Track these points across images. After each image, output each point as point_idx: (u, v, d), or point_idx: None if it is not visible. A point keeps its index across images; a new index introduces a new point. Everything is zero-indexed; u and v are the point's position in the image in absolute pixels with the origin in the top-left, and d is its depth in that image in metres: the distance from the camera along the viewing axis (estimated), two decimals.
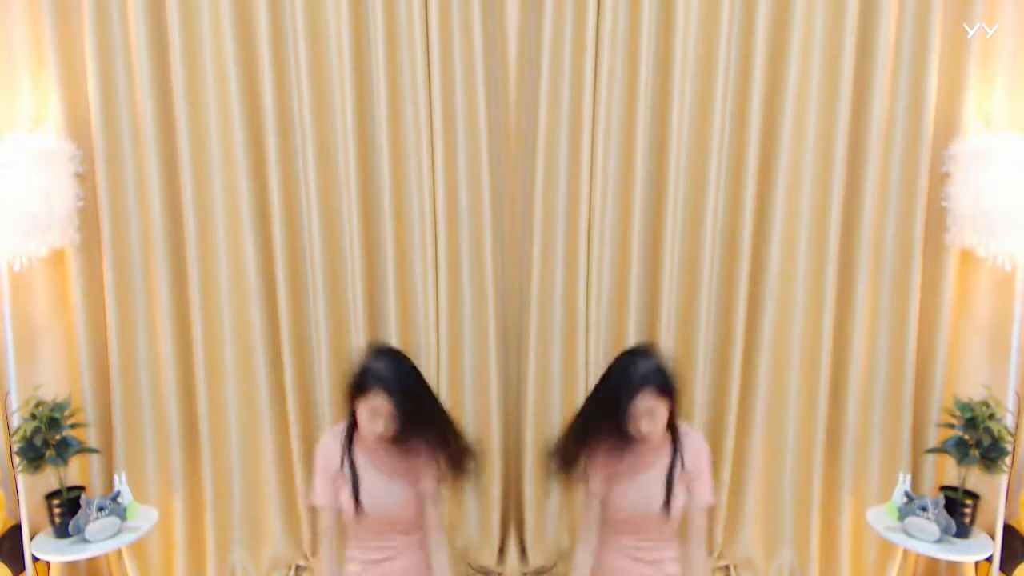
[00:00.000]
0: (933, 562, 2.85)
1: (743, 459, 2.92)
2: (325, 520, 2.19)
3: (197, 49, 2.69)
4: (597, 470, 2.20)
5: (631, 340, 2.78)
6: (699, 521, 2.19)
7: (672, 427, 2.17)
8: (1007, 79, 2.65)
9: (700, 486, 2.17)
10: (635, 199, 2.76)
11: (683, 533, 2.23)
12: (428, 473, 2.18)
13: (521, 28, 2.75)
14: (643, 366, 2.11)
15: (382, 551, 2.21)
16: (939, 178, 2.70)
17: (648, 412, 2.07)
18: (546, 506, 2.97)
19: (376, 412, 2.06)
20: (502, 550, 2.96)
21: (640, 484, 2.16)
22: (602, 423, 2.14)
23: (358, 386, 2.08)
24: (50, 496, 2.59)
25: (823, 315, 2.78)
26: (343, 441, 2.17)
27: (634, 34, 2.70)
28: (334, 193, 2.78)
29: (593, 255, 2.79)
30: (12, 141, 2.47)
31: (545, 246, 2.85)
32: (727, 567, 2.97)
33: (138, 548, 2.85)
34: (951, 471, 2.71)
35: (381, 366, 2.10)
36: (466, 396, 2.92)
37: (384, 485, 2.15)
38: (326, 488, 2.17)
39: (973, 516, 2.59)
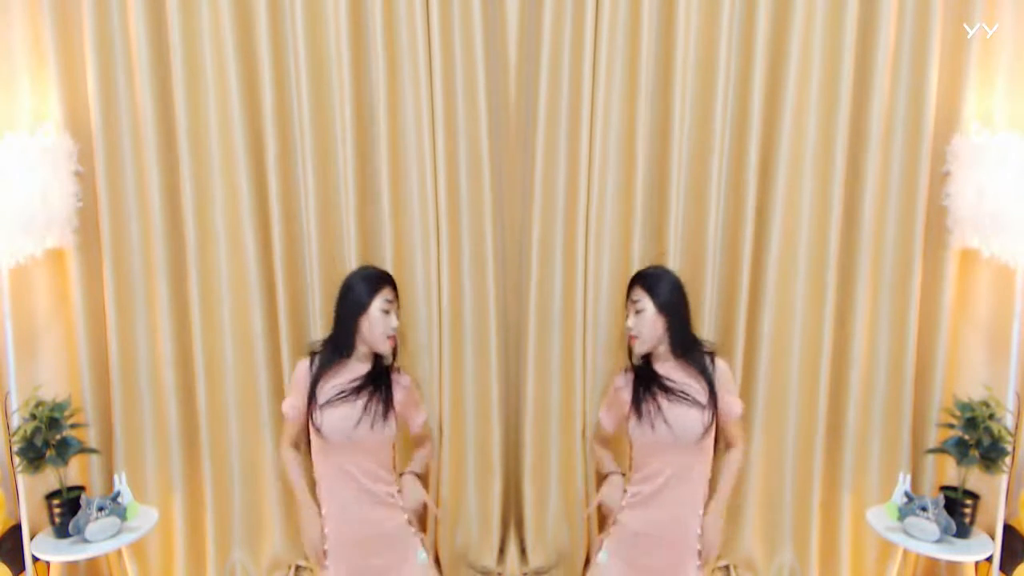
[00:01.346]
0: (933, 562, 2.85)
1: (744, 459, 2.92)
2: (287, 429, 2.37)
3: (197, 48, 2.69)
4: (616, 408, 2.39)
5: None
6: (735, 431, 2.36)
7: (693, 351, 2.30)
8: (1007, 79, 2.65)
9: (729, 403, 2.30)
10: (635, 197, 2.76)
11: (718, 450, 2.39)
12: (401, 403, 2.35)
13: (521, 26, 2.75)
14: (641, 271, 2.36)
15: (352, 494, 2.28)
16: (939, 178, 2.70)
17: (633, 305, 2.26)
18: (546, 506, 2.98)
19: (391, 306, 2.28)
20: (502, 550, 2.96)
21: (676, 407, 2.25)
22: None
23: (372, 288, 2.27)
24: (50, 496, 2.59)
25: (823, 314, 2.78)
26: (317, 367, 2.31)
27: (634, 31, 2.70)
28: (333, 191, 2.78)
29: (591, 254, 2.79)
30: (12, 140, 2.47)
31: (545, 245, 2.85)
32: (727, 567, 2.97)
33: (138, 548, 2.85)
34: (951, 471, 2.71)
35: (377, 271, 2.37)
36: (466, 396, 2.92)
37: (351, 411, 2.24)
38: (297, 402, 2.32)
39: (973, 516, 2.59)
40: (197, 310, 2.78)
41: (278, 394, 2.86)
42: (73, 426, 2.55)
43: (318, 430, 2.24)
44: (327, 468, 2.28)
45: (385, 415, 2.25)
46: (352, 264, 2.76)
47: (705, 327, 2.81)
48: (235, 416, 2.88)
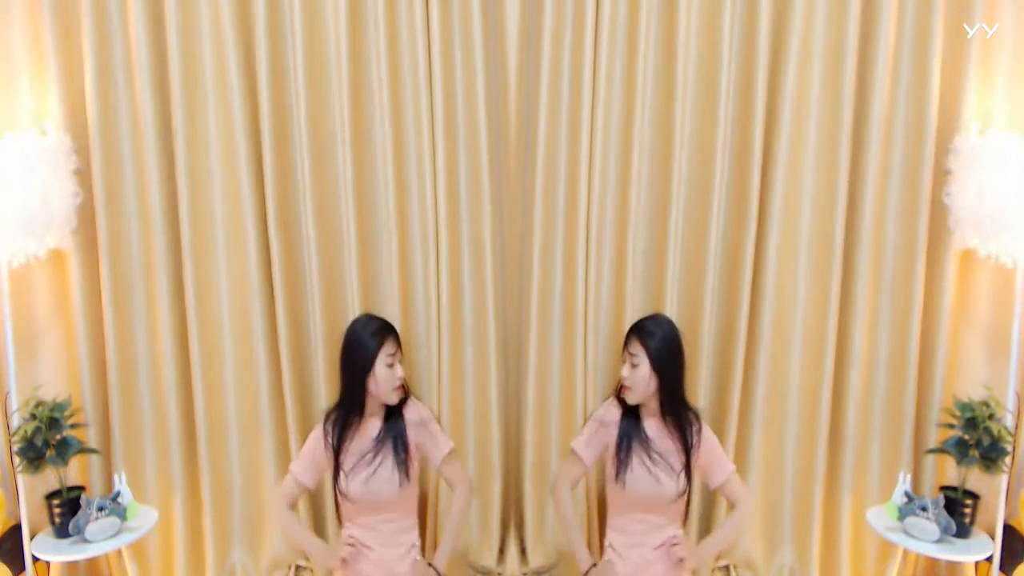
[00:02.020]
0: (933, 562, 2.85)
1: (744, 459, 2.91)
2: (289, 488, 2.33)
3: (196, 48, 2.69)
4: (599, 442, 2.34)
5: None
6: (732, 489, 2.33)
7: (680, 416, 2.27)
8: (1007, 79, 2.65)
9: (715, 470, 2.32)
10: (636, 199, 2.75)
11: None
12: (420, 446, 2.34)
13: (521, 28, 2.75)
14: (642, 322, 2.31)
15: (374, 532, 2.28)
16: (940, 178, 2.70)
17: (631, 358, 2.24)
18: (546, 506, 2.97)
19: (393, 359, 2.24)
20: (502, 550, 2.96)
21: (652, 469, 2.25)
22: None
23: (375, 346, 2.22)
24: (50, 496, 2.59)
25: (825, 314, 2.78)
26: (336, 427, 2.29)
27: (634, 33, 2.70)
28: (332, 191, 2.78)
29: (591, 255, 2.79)
30: (11, 140, 2.47)
31: (545, 246, 2.85)
32: (727, 567, 2.97)
33: (138, 548, 2.85)
34: (951, 471, 2.71)
35: (378, 322, 2.30)
36: (466, 396, 2.92)
37: (378, 472, 2.25)
38: (308, 466, 2.32)
39: (973, 516, 2.59)
40: (195, 310, 2.77)
41: (277, 394, 2.86)
42: (73, 426, 2.55)
43: (345, 496, 2.25)
44: (353, 529, 2.31)
45: (408, 471, 2.27)
46: (352, 265, 2.76)
47: (706, 328, 2.81)
48: (235, 416, 2.88)
